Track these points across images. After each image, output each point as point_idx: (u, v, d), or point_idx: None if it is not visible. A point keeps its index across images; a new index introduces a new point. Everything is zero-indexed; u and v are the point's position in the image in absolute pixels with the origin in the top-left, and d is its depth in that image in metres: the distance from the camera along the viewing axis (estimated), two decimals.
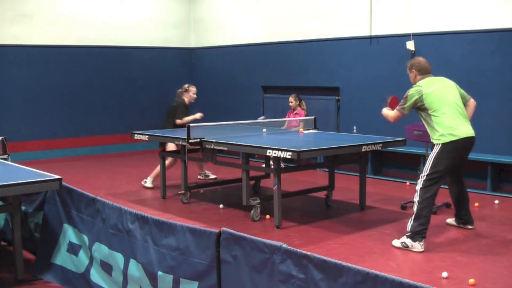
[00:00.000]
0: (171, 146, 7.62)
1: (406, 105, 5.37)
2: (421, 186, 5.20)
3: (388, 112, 5.66)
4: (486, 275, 4.50)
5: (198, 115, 8.03)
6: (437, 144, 5.23)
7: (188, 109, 8.17)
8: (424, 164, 5.42)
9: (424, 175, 5.20)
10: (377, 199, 7.28)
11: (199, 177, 8.69)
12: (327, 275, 2.60)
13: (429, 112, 5.26)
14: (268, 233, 5.72)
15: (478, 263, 4.80)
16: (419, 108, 5.33)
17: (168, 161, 7.76)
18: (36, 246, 4.70)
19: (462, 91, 5.55)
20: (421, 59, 5.60)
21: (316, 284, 2.64)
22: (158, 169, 7.80)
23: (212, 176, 8.72)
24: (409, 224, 5.17)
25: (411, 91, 5.36)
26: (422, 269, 4.68)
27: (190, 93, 8.12)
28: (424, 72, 5.48)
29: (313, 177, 8.92)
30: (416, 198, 5.20)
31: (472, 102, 5.66)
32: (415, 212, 5.16)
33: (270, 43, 10.71)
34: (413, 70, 5.53)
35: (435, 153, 5.21)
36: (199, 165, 8.62)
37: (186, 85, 8.22)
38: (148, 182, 8.08)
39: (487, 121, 7.72)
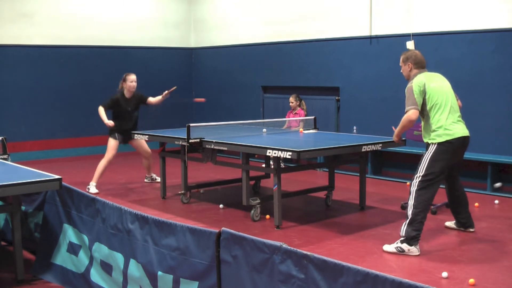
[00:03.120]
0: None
1: (417, 101, 5.07)
2: (416, 188, 5.05)
3: (403, 119, 5.18)
4: (486, 275, 4.50)
5: (107, 122, 7.59)
6: (432, 143, 5.14)
7: (128, 101, 7.85)
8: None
9: (419, 176, 5.07)
10: (377, 199, 7.28)
11: (145, 180, 8.54)
12: (327, 275, 2.60)
13: (427, 107, 5.13)
14: (268, 233, 5.72)
15: (478, 263, 4.80)
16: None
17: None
18: (36, 246, 4.70)
19: (453, 92, 5.43)
20: (417, 52, 5.43)
21: (316, 284, 2.64)
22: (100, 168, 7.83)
23: (158, 179, 8.31)
24: (403, 228, 5.02)
25: (414, 86, 5.13)
26: (422, 269, 4.68)
27: (127, 82, 7.83)
28: (420, 66, 5.33)
29: (313, 177, 8.92)
30: (411, 201, 5.03)
31: (459, 103, 5.50)
32: (409, 217, 5.00)
33: (270, 43, 10.72)
34: (409, 63, 5.34)
35: (431, 154, 5.11)
36: (147, 167, 8.43)
37: (124, 74, 7.91)
38: (92, 187, 7.80)
39: (487, 121, 7.73)
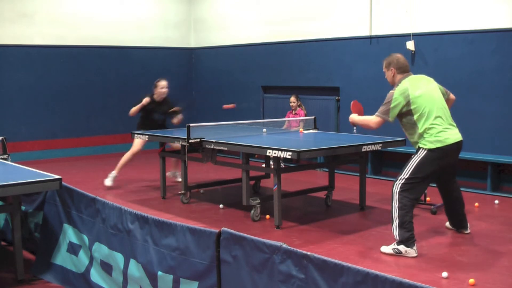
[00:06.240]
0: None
1: (390, 112, 5.02)
2: (399, 189, 4.97)
3: (368, 118, 5.24)
4: (486, 275, 4.50)
5: (144, 100, 7.78)
6: (422, 148, 5.01)
7: (158, 104, 7.94)
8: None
9: (403, 178, 4.98)
10: (377, 199, 7.28)
11: (167, 174, 8.46)
12: (327, 275, 2.60)
13: (415, 117, 5.00)
14: (268, 233, 5.73)
15: (478, 263, 4.80)
16: (403, 113, 5.05)
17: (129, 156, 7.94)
18: (36, 246, 4.70)
19: (442, 88, 5.32)
20: (399, 56, 5.27)
21: (316, 284, 2.64)
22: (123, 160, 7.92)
23: (179, 179, 8.28)
24: (395, 232, 4.95)
25: (396, 95, 5.03)
26: (422, 269, 4.68)
27: (158, 88, 7.94)
28: (403, 70, 5.18)
29: (313, 177, 8.92)
30: (395, 203, 4.96)
31: (451, 97, 5.42)
32: (397, 219, 4.92)
33: (270, 43, 10.72)
34: (392, 68, 5.20)
35: (419, 158, 4.98)
36: (174, 163, 8.45)
37: (155, 81, 8.05)
38: (109, 179, 7.99)
39: (487, 121, 7.73)
